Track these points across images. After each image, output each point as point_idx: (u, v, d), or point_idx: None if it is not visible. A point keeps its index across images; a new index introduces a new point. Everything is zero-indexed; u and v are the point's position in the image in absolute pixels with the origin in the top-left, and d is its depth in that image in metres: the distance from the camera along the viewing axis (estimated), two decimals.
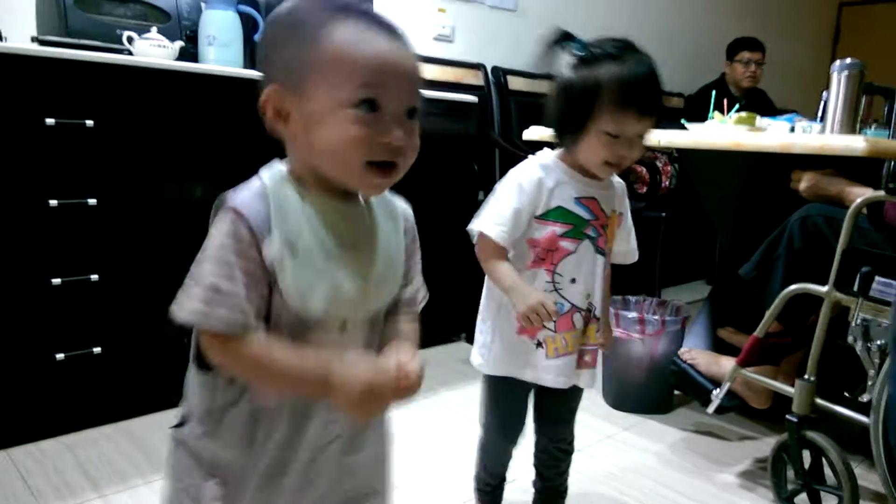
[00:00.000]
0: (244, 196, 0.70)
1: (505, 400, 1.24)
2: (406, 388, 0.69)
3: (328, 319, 0.73)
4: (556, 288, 1.14)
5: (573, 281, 1.15)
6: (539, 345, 1.16)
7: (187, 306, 0.68)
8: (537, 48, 1.13)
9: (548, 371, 1.16)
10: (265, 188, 0.71)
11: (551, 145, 1.19)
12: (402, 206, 0.83)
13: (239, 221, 0.68)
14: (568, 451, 1.31)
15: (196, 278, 0.68)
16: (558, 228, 1.13)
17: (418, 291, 0.87)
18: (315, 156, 0.70)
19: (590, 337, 1.19)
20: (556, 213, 1.13)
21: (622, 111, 1.05)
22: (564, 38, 1.11)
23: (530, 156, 1.18)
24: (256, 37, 0.81)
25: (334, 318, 0.73)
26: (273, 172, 0.74)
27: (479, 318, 1.24)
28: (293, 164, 0.74)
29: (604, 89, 1.05)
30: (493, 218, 1.13)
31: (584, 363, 1.19)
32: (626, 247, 1.24)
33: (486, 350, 1.21)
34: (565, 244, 1.13)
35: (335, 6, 0.69)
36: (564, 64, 1.10)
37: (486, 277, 1.22)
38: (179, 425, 0.79)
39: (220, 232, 0.68)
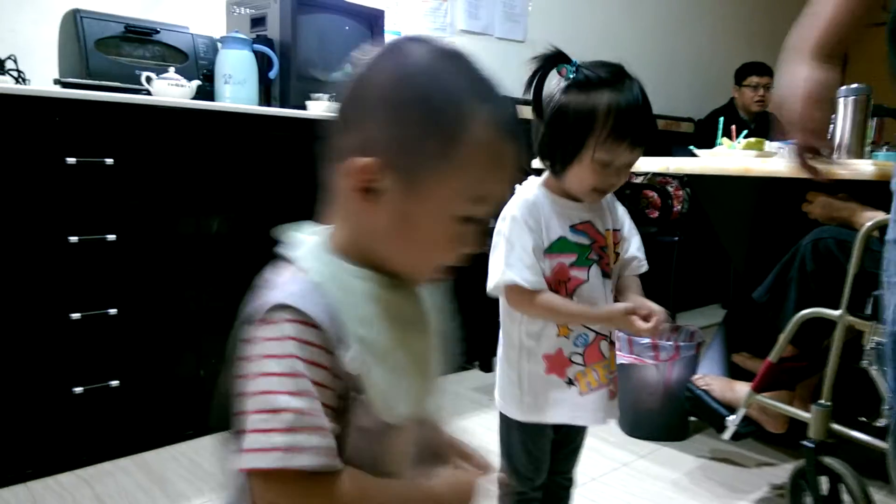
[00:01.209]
0: (294, 292, 0.57)
1: (537, 444, 1.19)
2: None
3: (407, 420, 0.63)
4: None
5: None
6: (570, 382, 1.12)
7: (265, 446, 0.53)
8: (530, 68, 1.10)
9: (584, 409, 1.13)
10: (312, 277, 0.59)
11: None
12: None
13: (304, 327, 0.56)
14: (572, 484, 1.30)
15: (263, 409, 0.54)
16: (565, 259, 1.11)
17: None
18: (392, 245, 0.61)
19: (611, 365, 1.16)
20: (559, 245, 1.11)
21: (617, 141, 1.05)
22: (558, 59, 1.09)
23: (518, 188, 1.15)
24: (353, 75, 0.62)
25: (415, 416, 0.65)
26: (313, 254, 0.62)
27: (502, 366, 1.19)
28: (342, 237, 0.62)
29: (599, 118, 1.04)
30: (517, 264, 1.08)
31: (612, 393, 1.17)
32: (634, 254, 1.21)
33: (514, 398, 1.15)
34: (576, 273, 1.11)
35: (477, 86, 0.61)
36: (556, 87, 1.09)
37: (502, 325, 1.19)
38: None
39: (279, 344, 0.55)
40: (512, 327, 1.16)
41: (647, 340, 2.06)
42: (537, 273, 1.08)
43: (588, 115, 1.05)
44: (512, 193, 0.56)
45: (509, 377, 1.16)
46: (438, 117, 0.58)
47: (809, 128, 0.97)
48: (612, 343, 1.16)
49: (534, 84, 1.10)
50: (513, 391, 1.15)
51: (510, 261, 1.08)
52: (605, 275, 1.15)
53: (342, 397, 0.58)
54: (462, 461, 0.69)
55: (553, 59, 1.09)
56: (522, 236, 1.09)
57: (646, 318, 1.08)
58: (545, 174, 1.15)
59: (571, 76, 1.08)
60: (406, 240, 0.61)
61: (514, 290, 1.09)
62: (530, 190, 1.14)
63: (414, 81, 0.59)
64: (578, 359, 1.12)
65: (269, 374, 0.55)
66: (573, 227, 1.12)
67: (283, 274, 0.61)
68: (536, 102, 1.11)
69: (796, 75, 0.93)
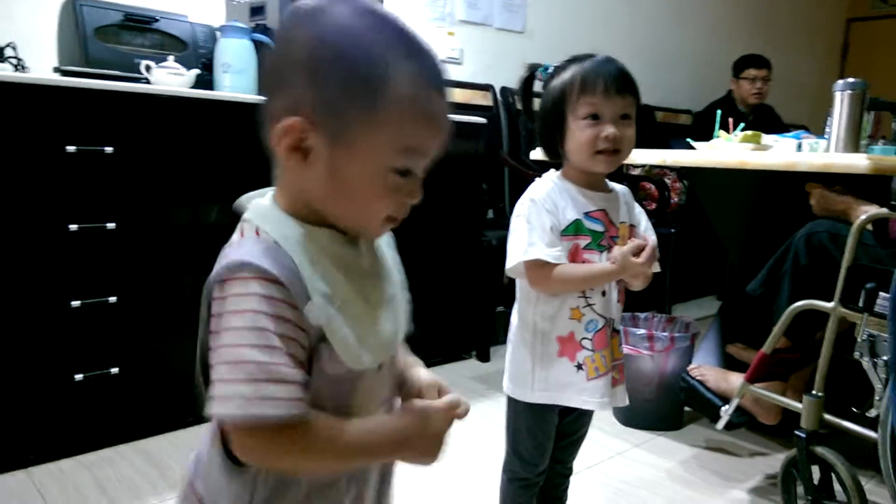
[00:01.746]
0: (255, 252, 0.60)
1: (544, 428, 1.21)
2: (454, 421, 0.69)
3: (372, 365, 0.66)
4: (588, 303, 1.15)
5: (603, 294, 1.16)
6: (579, 367, 1.15)
7: (229, 395, 0.56)
8: (518, 87, 1.22)
9: (591, 394, 1.15)
10: (271, 238, 0.62)
11: (556, 166, 1.22)
12: None
13: (268, 283, 0.58)
14: (570, 472, 1.33)
15: (228, 361, 0.57)
16: (581, 241, 1.15)
17: None
18: (331, 202, 0.64)
19: (615, 352, 1.19)
20: (575, 227, 1.14)
21: (591, 93, 1.10)
22: (534, 69, 1.19)
23: (537, 178, 1.21)
24: (275, 39, 0.72)
25: (378, 362, 0.67)
26: (268, 215, 0.64)
27: (512, 346, 1.22)
28: (287, 199, 0.65)
29: (571, 83, 1.12)
30: (537, 243, 1.11)
31: (616, 381, 1.19)
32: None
33: (525, 379, 1.18)
34: (588, 256, 1.14)
35: (398, 42, 0.62)
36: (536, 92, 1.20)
37: (518, 308, 1.21)
38: None
39: (244, 300, 0.58)
40: (528, 309, 1.18)
41: (643, 331, 2.08)
42: (558, 249, 1.12)
43: (561, 86, 1.14)
44: (445, 146, 0.60)
45: (522, 359, 1.19)
46: (358, 74, 0.59)
47: None
48: (615, 331, 1.19)
49: (522, 92, 1.23)
50: (524, 372, 1.18)
51: (531, 239, 1.12)
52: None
53: (309, 348, 0.61)
54: (430, 395, 0.71)
55: (533, 67, 1.21)
56: (542, 217, 1.13)
57: (638, 256, 1.12)
58: (563, 167, 1.20)
59: (545, 76, 1.18)
60: (342, 195, 0.63)
61: (535, 267, 1.12)
62: (548, 179, 1.19)
63: (333, 40, 0.60)
64: (588, 343, 1.15)
65: (233, 328, 0.58)
66: (588, 214, 1.16)
67: (241, 234, 0.64)
68: (527, 107, 1.21)
69: None
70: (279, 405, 0.56)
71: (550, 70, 1.18)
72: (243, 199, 0.68)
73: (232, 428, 0.59)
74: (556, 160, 1.20)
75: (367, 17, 0.62)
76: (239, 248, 0.61)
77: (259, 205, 0.66)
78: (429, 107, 0.62)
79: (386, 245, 0.75)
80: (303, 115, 0.60)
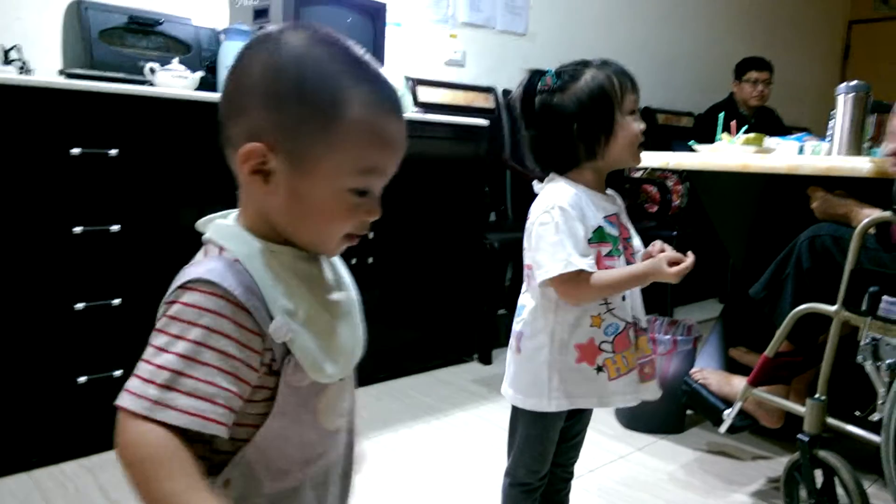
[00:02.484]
0: (216, 269, 0.61)
1: (550, 433, 1.21)
2: None
3: (335, 378, 0.68)
4: (609, 309, 1.15)
5: (623, 298, 1.17)
6: (600, 369, 1.15)
7: (139, 391, 0.58)
8: (518, 95, 1.19)
9: (614, 393, 1.16)
10: (232, 255, 0.63)
11: (558, 170, 1.20)
12: None
13: (218, 299, 0.60)
14: (571, 477, 1.33)
15: (150, 359, 0.59)
16: (603, 249, 1.15)
17: None
18: (292, 221, 0.66)
19: (643, 349, 1.20)
20: (598, 235, 1.15)
21: (631, 89, 1.16)
22: (537, 75, 1.18)
23: (548, 185, 1.19)
24: (231, 67, 0.68)
25: (342, 374, 0.69)
26: (229, 233, 0.66)
27: (522, 358, 1.20)
28: (250, 218, 0.67)
29: (611, 81, 1.14)
30: (573, 253, 1.10)
31: (646, 375, 1.20)
32: (640, 248, 1.25)
33: (540, 389, 1.16)
34: (609, 263, 1.15)
35: (352, 68, 0.64)
36: (540, 98, 1.17)
37: (530, 314, 1.19)
38: None
39: (189, 309, 0.59)
40: (546, 319, 1.16)
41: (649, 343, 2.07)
42: (591, 258, 1.12)
43: (598, 85, 1.14)
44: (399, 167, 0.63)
45: (535, 369, 1.17)
46: (314, 100, 0.62)
47: None
48: (640, 329, 1.20)
49: (524, 98, 1.19)
50: (539, 383, 1.16)
51: (569, 249, 1.11)
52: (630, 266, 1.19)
53: (270, 363, 0.63)
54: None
55: (536, 74, 1.18)
56: (574, 225, 1.12)
57: (672, 265, 1.13)
58: (574, 171, 1.19)
59: (556, 81, 1.16)
60: (302, 215, 0.65)
61: (572, 278, 1.11)
62: (564, 185, 1.17)
63: (289, 68, 0.63)
64: (608, 347, 1.15)
65: (170, 334, 0.59)
66: (606, 218, 1.17)
67: (200, 254, 0.67)
68: (530, 115, 1.18)
69: None
70: (180, 414, 0.57)
71: (553, 73, 1.17)
72: (203, 220, 0.70)
73: (122, 416, 0.59)
74: (581, 163, 1.17)
75: (321, 45, 0.65)
76: (199, 266, 0.63)
77: (221, 224, 0.68)
78: (384, 129, 0.65)
79: (340, 260, 0.77)
80: (263, 141, 0.62)
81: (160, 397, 0.57)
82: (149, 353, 0.60)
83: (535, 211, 1.17)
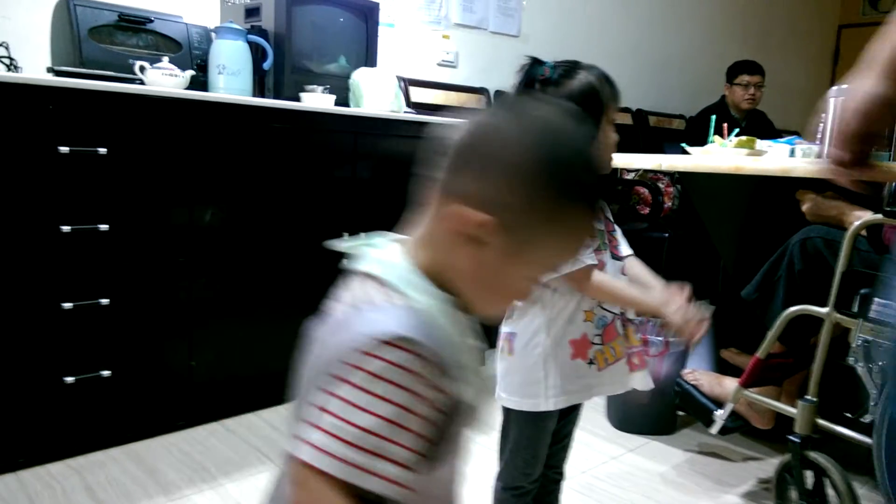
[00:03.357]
0: (414, 325, 0.59)
1: (543, 434, 1.21)
2: None
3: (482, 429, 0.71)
4: (600, 303, 1.16)
5: None
6: (591, 362, 1.16)
7: (337, 452, 0.55)
8: (521, 81, 1.17)
9: (602, 382, 1.17)
10: (414, 304, 0.61)
11: None
12: None
13: (426, 363, 0.58)
14: (562, 478, 1.32)
15: (348, 420, 0.56)
16: (592, 244, 1.16)
17: None
18: (471, 285, 0.65)
19: (631, 340, 1.21)
20: None
21: (618, 99, 1.16)
22: (537, 64, 1.17)
23: None
24: (485, 117, 0.66)
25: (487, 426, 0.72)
26: (410, 280, 0.64)
27: (518, 356, 1.18)
28: (426, 262, 0.65)
29: (601, 88, 1.14)
30: None
31: (634, 365, 1.21)
32: (627, 250, 1.27)
33: (535, 389, 1.16)
34: (598, 257, 1.15)
35: (589, 180, 0.65)
36: (537, 88, 1.16)
37: (518, 314, 1.18)
38: None
39: (399, 373, 0.56)
40: (540, 318, 1.16)
41: (637, 335, 2.07)
42: (591, 251, 1.13)
43: (591, 89, 1.13)
44: None
45: (529, 368, 1.16)
46: (556, 202, 0.62)
47: (845, 138, 0.98)
48: (628, 320, 1.21)
49: (523, 87, 1.16)
50: (534, 382, 1.16)
51: None
52: (615, 258, 1.21)
53: (442, 414, 0.61)
54: None
55: (535, 63, 1.17)
56: None
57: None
58: None
59: (553, 74, 1.15)
60: (485, 286, 0.65)
61: (586, 274, 1.12)
62: None
63: (546, 163, 0.62)
64: (598, 339, 1.16)
65: (373, 394, 0.56)
66: None
67: (376, 296, 0.62)
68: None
69: (857, 88, 0.95)
70: (386, 483, 0.56)
71: (551, 66, 1.16)
72: (348, 246, 0.68)
73: (312, 476, 0.56)
74: None
75: (578, 156, 0.64)
76: (390, 317, 0.59)
77: (394, 266, 0.65)
78: (587, 239, 0.70)
79: None
80: (495, 215, 0.61)
81: (366, 464, 0.55)
82: (337, 407, 0.56)
83: None
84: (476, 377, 0.67)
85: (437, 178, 0.65)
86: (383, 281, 0.63)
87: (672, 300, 1.14)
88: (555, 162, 0.62)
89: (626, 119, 3.86)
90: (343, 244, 0.68)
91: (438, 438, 0.62)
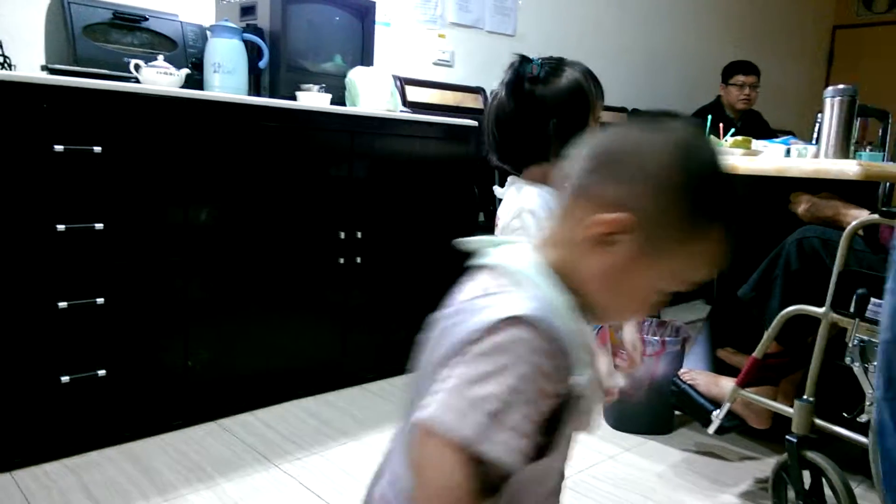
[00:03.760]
0: (541, 308, 0.61)
1: None
2: None
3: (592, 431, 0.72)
4: None
5: None
6: None
7: (469, 417, 0.57)
8: (510, 78, 1.17)
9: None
10: (545, 295, 0.63)
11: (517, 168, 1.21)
12: None
13: (548, 343, 0.60)
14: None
15: (481, 395, 0.58)
16: None
17: None
18: (597, 288, 0.66)
19: (615, 343, 1.23)
20: None
21: (601, 98, 1.18)
22: (526, 61, 1.17)
23: (512, 189, 1.18)
24: (637, 137, 0.68)
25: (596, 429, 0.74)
26: (541, 277, 0.65)
27: None
28: (556, 263, 0.66)
29: (589, 87, 1.15)
30: None
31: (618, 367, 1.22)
32: None
33: None
34: None
35: (729, 202, 0.66)
36: (526, 86, 1.17)
37: None
38: None
39: (523, 345, 0.59)
40: None
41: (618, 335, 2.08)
42: None
43: (580, 87, 1.15)
44: None
45: None
46: (697, 210, 0.63)
47: None
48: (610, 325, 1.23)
49: (513, 90, 1.17)
50: None
51: None
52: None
53: (558, 400, 0.62)
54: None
55: (523, 60, 1.18)
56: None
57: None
58: (530, 170, 1.18)
59: (540, 71, 1.16)
60: (612, 290, 0.66)
61: None
62: (529, 188, 1.16)
63: (695, 177, 0.64)
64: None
65: (494, 365, 0.58)
66: None
67: (505, 284, 0.64)
68: (518, 101, 1.17)
69: None
70: (505, 449, 0.58)
71: (538, 63, 1.16)
72: (477, 242, 0.71)
73: (438, 437, 0.58)
74: (545, 161, 1.16)
75: (719, 177, 0.66)
76: (515, 299, 0.61)
77: (524, 259, 0.67)
78: (721, 253, 0.67)
79: None
80: (630, 215, 0.63)
81: (485, 427, 0.57)
82: (460, 374, 0.59)
83: (504, 217, 1.16)
84: (592, 374, 0.67)
85: (573, 183, 0.67)
86: (511, 272, 0.65)
87: (631, 321, 1.16)
88: (697, 177, 0.64)
89: (622, 119, 3.87)
90: (470, 243, 0.71)
91: (551, 426, 0.63)
